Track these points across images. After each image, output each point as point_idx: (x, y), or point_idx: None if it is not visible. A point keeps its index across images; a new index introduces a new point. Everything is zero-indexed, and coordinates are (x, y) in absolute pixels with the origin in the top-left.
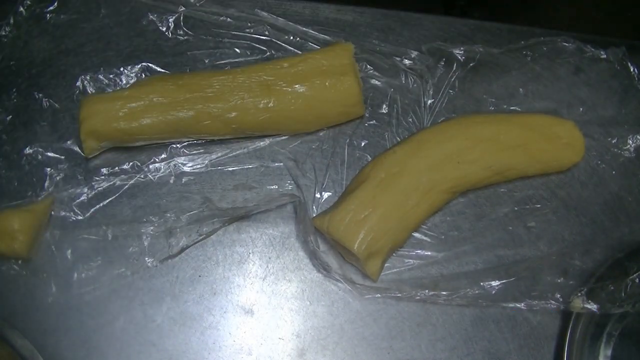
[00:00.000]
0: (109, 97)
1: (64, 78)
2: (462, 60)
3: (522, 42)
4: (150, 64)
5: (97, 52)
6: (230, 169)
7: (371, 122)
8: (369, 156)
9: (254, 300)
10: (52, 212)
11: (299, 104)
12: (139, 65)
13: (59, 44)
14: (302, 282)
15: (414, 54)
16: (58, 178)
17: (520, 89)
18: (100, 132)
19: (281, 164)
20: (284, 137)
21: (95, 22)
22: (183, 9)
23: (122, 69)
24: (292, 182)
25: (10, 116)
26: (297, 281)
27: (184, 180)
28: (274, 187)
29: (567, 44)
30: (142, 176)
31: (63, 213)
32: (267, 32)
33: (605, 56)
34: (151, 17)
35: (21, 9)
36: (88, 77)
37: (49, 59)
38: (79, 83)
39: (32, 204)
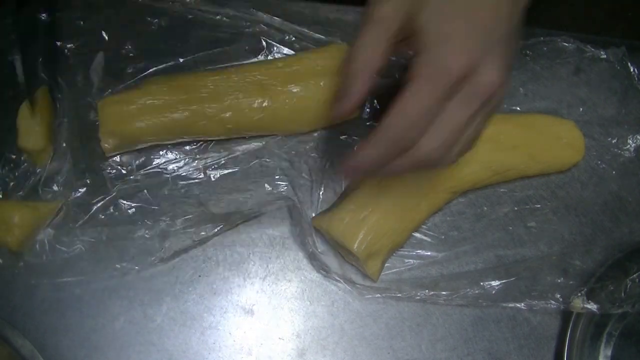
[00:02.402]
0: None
1: (64, 79)
2: None
3: (522, 41)
4: (148, 64)
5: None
6: (225, 171)
7: (371, 122)
8: None
9: (254, 300)
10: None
11: (293, 104)
12: (135, 66)
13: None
14: (302, 282)
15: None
16: (60, 179)
17: (520, 89)
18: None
19: (276, 165)
20: (279, 138)
21: (90, 24)
22: (180, 7)
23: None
24: (288, 183)
25: (9, 118)
26: (297, 281)
27: (179, 183)
28: (269, 189)
29: (567, 44)
30: (137, 179)
31: (60, 213)
32: (263, 32)
33: (605, 56)
34: (148, 18)
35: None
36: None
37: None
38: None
39: (39, 201)
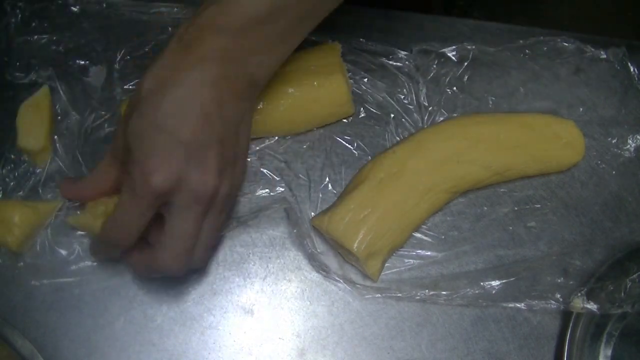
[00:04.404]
0: None
1: (64, 79)
2: (455, 59)
3: (521, 41)
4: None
5: (100, 53)
6: None
7: (370, 122)
8: (369, 156)
9: (254, 300)
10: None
11: (287, 105)
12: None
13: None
14: (302, 282)
15: (408, 54)
16: (60, 179)
17: (521, 88)
18: None
19: (273, 166)
20: (274, 139)
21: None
22: (167, 17)
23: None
24: (285, 185)
25: (9, 118)
26: (297, 281)
27: None
28: (265, 191)
29: (567, 44)
30: None
31: (60, 214)
32: None
33: (605, 56)
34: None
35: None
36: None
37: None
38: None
39: (39, 201)
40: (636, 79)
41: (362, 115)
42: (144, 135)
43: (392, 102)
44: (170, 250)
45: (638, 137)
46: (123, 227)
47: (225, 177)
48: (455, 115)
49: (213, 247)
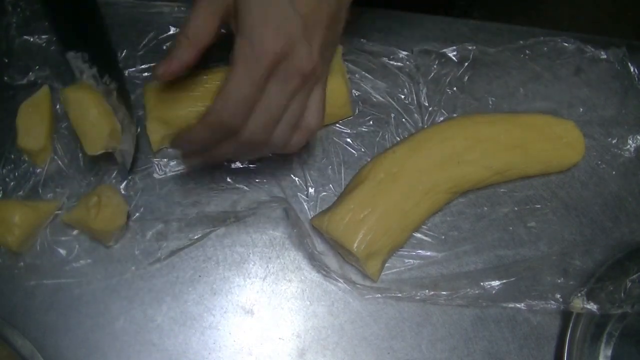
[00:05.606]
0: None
1: (64, 79)
2: (456, 60)
3: (521, 41)
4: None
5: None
6: (218, 173)
7: (370, 122)
8: (369, 156)
9: (254, 300)
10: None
11: None
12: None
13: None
14: (302, 282)
15: (408, 54)
16: (60, 179)
17: (521, 89)
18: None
19: (271, 165)
20: None
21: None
22: (168, 17)
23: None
24: (282, 184)
25: (9, 118)
26: (297, 281)
27: (173, 184)
28: (264, 188)
29: (567, 44)
30: (132, 180)
31: (60, 213)
32: None
33: (605, 56)
34: (150, 29)
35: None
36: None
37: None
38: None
39: (39, 201)
40: (636, 79)
41: (362, 115)
42: (262, 2)
43: (392, 102)
44: (256, 120)
45: (638, 137)
46: (236, 102)
47: (324, 60)
48: (455, 115)
49: (301, 138)
